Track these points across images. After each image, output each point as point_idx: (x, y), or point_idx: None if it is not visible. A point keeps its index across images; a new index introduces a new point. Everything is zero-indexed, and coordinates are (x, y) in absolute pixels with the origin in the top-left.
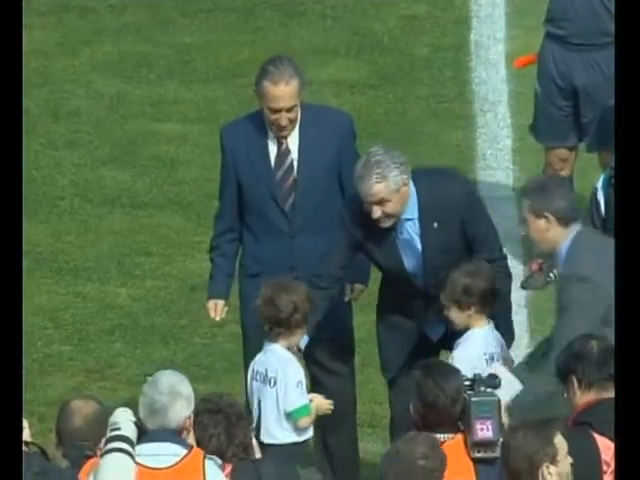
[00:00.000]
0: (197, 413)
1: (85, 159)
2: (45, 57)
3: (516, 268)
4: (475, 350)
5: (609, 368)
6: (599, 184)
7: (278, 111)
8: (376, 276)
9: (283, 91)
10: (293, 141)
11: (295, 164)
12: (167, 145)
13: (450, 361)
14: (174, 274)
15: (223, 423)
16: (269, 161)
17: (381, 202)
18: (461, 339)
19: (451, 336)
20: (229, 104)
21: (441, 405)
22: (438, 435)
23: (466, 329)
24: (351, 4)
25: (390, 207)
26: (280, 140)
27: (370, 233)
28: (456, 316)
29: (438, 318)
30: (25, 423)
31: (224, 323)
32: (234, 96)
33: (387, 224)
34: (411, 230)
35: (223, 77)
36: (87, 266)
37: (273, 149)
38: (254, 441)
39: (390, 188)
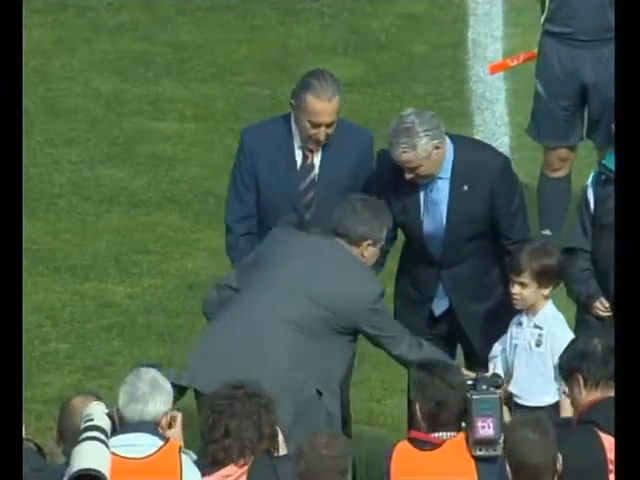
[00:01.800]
0: (228, 397)
1: (83, 157)
2: (43, 55)
3: None
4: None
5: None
6: (589, 182)
7: (318, 126)
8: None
9: (327, 106)
10: (317, 156)
11: (316, 180)
12: (164, 143)
13: (544, 340)
14: (171, 272)
15: (256, 413)
16: (296, 170)
17: (414, 169)
18: (543, 318)
19: (453, 314)
20: (226, 102)
21: (452, 402)
22: (440, 434)
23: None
24: (348, 2)
25: (422, 170)
26: (305, 153)
27: (398, 187)
28: (531, 294)
29: (446, 292)
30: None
31: None
32: (231, 94)
33: (421, 182)
34: (441, 190)
35: (220, 75)
36: (85, 264)
37: (299, 159)
38: (280, 436)
39: (419, 156)
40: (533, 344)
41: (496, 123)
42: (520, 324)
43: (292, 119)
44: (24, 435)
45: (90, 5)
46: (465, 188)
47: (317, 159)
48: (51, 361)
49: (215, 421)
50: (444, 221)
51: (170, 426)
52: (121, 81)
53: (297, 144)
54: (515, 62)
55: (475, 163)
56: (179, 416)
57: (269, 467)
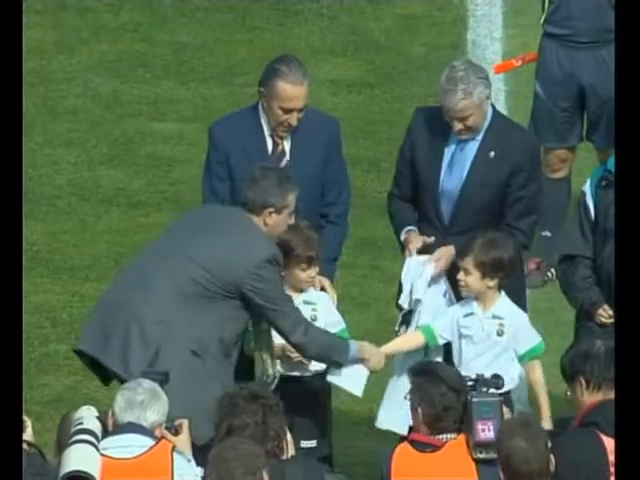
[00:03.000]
0: (233, 397)
1: (82, 158)
2: (42, 56)
3: None
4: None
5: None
6: (586, 188)
7: (290, 111)
8: None
9: (299, 91)
10: (287, 143)
11: (288, 166)
12: (164, 144)
13: (506, 330)
14: None
15: (259, 412)
16: (268, 157)
17: (464, 118)
18: (501, 309)
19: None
20: (226, 103)
21: (457, 407)
22: (441, 436)
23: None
24: (348, 3)
25: (471, 121)
26: (275, 140)
27: (429, 144)
28: (474, 282)
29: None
30: (27, 422)
31: None
32: (231, 95)
33: (465, 136)
34: (468, 152)
35: (220, 76)
36: (84, 265)
37: (269, 147)
38: (289, 437)
39: (474, 104)
40: (494, 334)
41: None
42: (471, 314)
43: (260, 108)
44: (31, 439)
45: (90, 6)
46: (491, 154)
47: (287, 146)
48: (50, 362)
49: (220, 421)
50: (463, 181)
51: (177, 433)
52: (121, 82)
53: (267, 132)
54: (520, 62)
55: (508, 133)
56: (185, 423)
57: (277, 468)
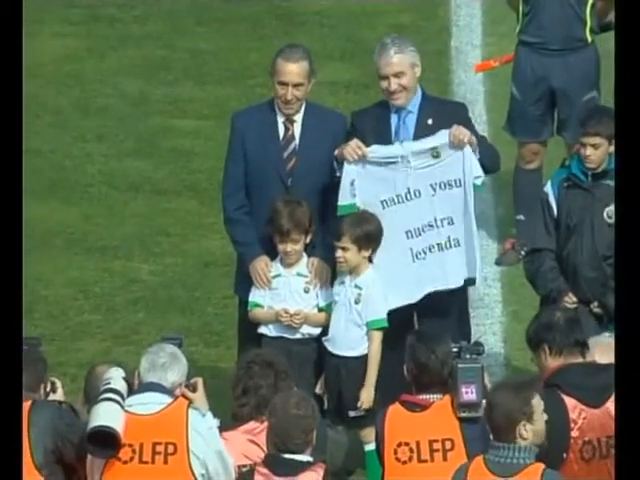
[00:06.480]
0: (249, 362)
1: (112, 151)
2: (77, 61)
3: (491, 247)
4: (382, 287)
5: (575, 335)
6: (548, 188)
7: (285, 84)
8: None
9: (292, 67)
10: (297, 130)
11: (297, 149)
12: (184, 139)
13: (362, 299)
14: (190, 252)
15: (272, 376)
16: (279, 140)
17: (398, 75)
18: (363, 280)
19: None
20: (239, 102)
21: (432, 366)
22: (429, 396)
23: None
24: (345, 14)
25: (405, 80)
26: (287, 126)
27: (373, 132)
28: (352, 256)
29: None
30: (58, 384)
31: (235, 294)
32: (243, 95)
33: (401, 100)
34: (409, 125)
35: (233, 78)
36: (113, 245)
37: (281, 131)
38: None
39: (407, 61)
40: (352, 301)
41: (476, 121)
42: (342, 283)
43: (275, 100)
44: (62, 398)
45: (119, 17)
46: (429, 122)
47: (297, 131)
48: (84, 330)
49: (236, 382)
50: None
51: (194, 390)
52: (146, 83)
53: (280, 119)
54: (498, 63)
55: (441, 104)
56: (200, 381)
57: None
